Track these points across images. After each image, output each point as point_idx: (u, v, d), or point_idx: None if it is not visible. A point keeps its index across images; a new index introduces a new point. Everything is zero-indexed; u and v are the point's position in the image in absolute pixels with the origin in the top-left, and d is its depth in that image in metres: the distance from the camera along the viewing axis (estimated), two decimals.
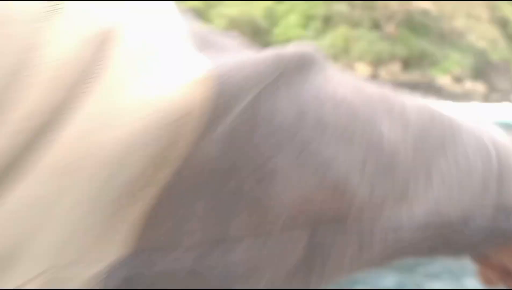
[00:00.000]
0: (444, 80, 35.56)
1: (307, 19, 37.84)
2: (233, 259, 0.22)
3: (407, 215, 0.26)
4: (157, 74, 0.18)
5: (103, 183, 0.18)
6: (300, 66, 0.23)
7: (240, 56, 0.22)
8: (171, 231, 0.20)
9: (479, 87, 36.14)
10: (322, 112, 0.23)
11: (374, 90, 0.27)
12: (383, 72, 35.20)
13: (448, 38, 37.90)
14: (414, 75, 35.59)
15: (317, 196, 0.22)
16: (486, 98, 34.94)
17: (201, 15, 39.14)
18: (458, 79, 35.97)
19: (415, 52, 36.01)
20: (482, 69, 37.43)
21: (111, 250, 0.18)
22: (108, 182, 0.18)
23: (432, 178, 0.26)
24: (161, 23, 0.20)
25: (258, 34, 37.49)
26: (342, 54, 35.29)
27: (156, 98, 0.18)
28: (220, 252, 0.21)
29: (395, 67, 35.63)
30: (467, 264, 0.35)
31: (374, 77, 34.58)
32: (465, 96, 33.95)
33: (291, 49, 0.23)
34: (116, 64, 0.18)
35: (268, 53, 0.22)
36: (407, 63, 35.90)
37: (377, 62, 35.24)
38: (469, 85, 35.89)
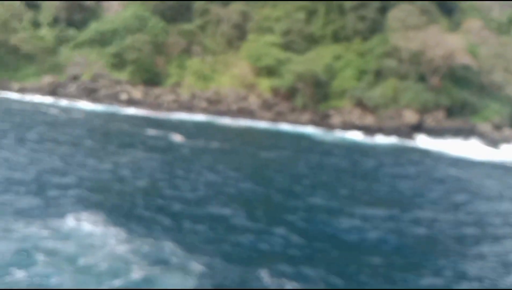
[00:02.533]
0: (484, 127, 39.83)
1: (361, 73, 43.55)
2: None
3: None
4: None
5: None
6: None
7: None
8: None
9: None
10: None
11: None
12: (429, 119, 39.87)
13: (487, 90, 42.32)
14: (456, 122, 40.05)
15: None
16: None
17: (274, 71, 45.38)
18: (497, 127, 40.17)
19: (457, 102, 40.61)
20: None
21: None
22: None
23: None
24: None
25: (320, 86, 43.51)
26: (391, 103, 40.36)
27: None
28: None
29: (440, 115, 40.25)
30: None
31: (420, 123, 39.35)
32: (504, 141, 38.01)
33: None
34: None
35: None
36: (450, 111, 40.43)
37: (423, 110, 39.96)
38: (508, 132, 39.99)
